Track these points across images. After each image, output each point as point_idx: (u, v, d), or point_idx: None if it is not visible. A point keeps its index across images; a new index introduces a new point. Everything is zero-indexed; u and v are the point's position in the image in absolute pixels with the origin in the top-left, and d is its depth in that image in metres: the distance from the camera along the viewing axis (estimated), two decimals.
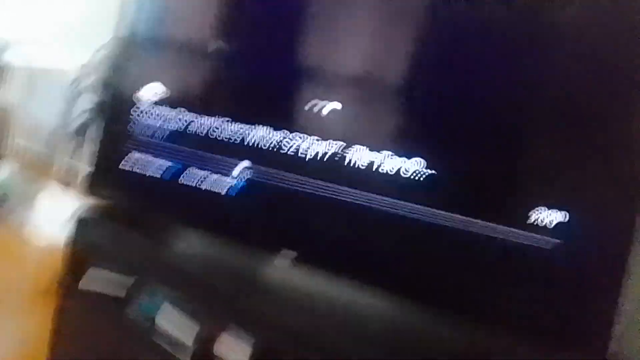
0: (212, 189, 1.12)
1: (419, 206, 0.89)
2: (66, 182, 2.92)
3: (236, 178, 1.09)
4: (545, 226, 0.80)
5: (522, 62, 0.84)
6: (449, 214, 0.86)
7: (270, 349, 0.97)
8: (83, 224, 1.30)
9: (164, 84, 1.23)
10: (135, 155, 1.25)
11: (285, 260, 1.01)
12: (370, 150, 0.94)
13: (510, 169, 0.85)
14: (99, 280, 1.28)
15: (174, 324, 1.12)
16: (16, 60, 3.55)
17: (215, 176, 1.12)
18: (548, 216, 0.80)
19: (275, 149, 1.04)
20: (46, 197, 3.03)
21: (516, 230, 0.82)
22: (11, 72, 3.63)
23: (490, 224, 0.83)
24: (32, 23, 3.65)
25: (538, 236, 0.81)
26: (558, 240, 0.80)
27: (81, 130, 2.69)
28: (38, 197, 3.10)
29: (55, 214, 3.06)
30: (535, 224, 0.80)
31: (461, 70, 0.89)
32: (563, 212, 0.80)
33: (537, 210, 0.80)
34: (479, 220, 0.84)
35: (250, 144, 1.07)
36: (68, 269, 1.30)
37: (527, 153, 0.85)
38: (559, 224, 0.80)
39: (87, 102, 2.71)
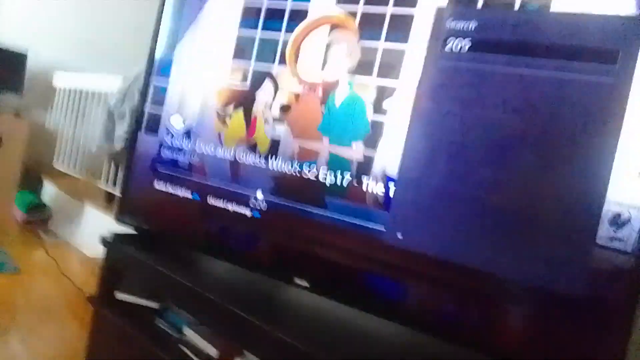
0: (231, 217, 1.22)
1: None
2: (106, 203, 3.10)
3: (252, 207, 1.18)
4: None
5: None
6: None
7: None
8: (114, 246, 1.41)
9: (189, 114, 1.34)
10: (160, 184, 1.37)
11: (299, 287, 1.09)
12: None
13: None
14: (130, 295, 1.39)
15: (200, 336, 1.21)
16: (62, 85, 3.79)
17: (233, 205, 1.22)
18: None
19: (287, 179, 1.12)
20: (88, 216, 3.21)
21: None
22: (59, 96, 3.88)
23: None
24: (76, 51, 3.90)
25: None
26: None
27: (118, 155, 2.86)
28: (80, 215, 3.28)
29: (96, 231, 3.22)
30: None
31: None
32: None
33: None
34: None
35: (267, 175, 1.16)
36: (103, 284, 1.42)
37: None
38: None
39: (123, 128, 2.88)
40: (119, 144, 2.88)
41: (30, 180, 3.69)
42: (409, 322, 0.98)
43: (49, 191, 3.68)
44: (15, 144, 3.50)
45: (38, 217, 3.39)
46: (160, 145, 1.37)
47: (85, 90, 3.54)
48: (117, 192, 2.95)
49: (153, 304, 1.35)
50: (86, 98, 3.53)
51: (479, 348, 0.90)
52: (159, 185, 1.36)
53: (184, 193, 1.31)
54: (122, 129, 2.90)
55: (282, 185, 1.14)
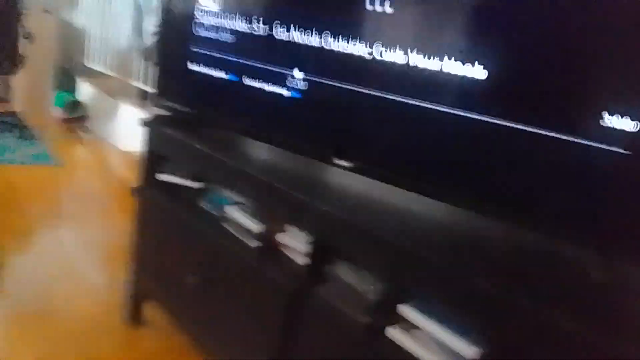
0: (268, 98, 1.19)
1: (478, 115, 0.86)
2: (139, 99, 3.11)
3: (290, 87, 1.13)
4: (612, 136, 0.74)
5: None
6: (506, 122, 0.83)
7: (326, 240, 1.05)
8: (154, 126, 1.42)
9: None
10: (195, 67, 1.33)
11: (342, 164, 1.07)
12: (426, 56, 0.93)
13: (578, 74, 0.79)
14: (172, 176, 1.42)
15: (242, 214, 1.23)
16: None
17: (270, 85, 1.17)
18: (617, 124, 0.73)
19: (330, 56, 1.06)
20: (122, 113, 3.25)
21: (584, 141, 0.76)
22: None
23: (553, 133, 0.77)
24: None
25: (605, 146, 0.75)
26: (625, 151, 0.73)
27: (149, 52, 2.81)
28: (115, 113, 3.32)
29: (131, 126, 3.29)
30: (603, 133, 0.74)
31: None
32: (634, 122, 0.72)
33: (605, 119, 0.74)
34: (540, 129, 0.80)
35: (305, 52, 1.10)
36: (145, 167, 1.45)
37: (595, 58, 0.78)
38: (627, 133, 0.73)
39: (152, 24, 2.80)
40: (148, 39, 2.82)
41: (66, 79, 3.71)
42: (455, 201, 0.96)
43: (85, 90, 3.70)
44: (47, 41, 3.48)
45: (75, 115, 3.45)
46: (194, 25, 1.32)
47: None
48: (150, 89, 2.95)
49: (195, 184, 1.38)
50: None
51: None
52: (195, 67, 1.32)
53: (219, 73, 1.27)
54: (151, 24, 2.82)
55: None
